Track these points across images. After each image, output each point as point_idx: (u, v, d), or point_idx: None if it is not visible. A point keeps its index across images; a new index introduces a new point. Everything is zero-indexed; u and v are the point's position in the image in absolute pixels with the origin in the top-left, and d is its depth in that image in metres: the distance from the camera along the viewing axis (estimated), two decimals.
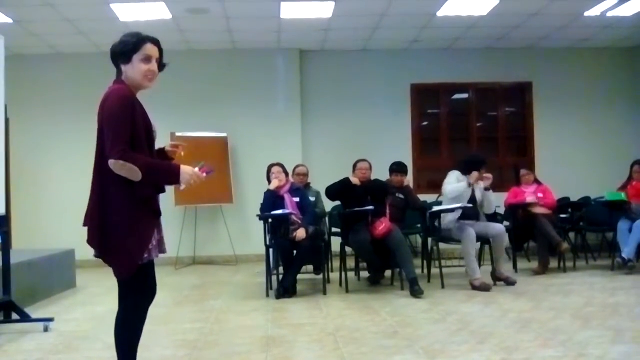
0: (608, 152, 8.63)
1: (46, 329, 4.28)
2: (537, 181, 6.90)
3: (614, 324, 4.00)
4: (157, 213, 2.59)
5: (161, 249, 2.67)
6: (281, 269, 5.72)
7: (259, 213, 5.86)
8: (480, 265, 5.99)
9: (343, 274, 5.84)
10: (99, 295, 5.87)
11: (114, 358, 2.58)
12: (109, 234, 2.46)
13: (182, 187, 2.54)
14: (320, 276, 5.89)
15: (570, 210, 7.44)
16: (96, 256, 2.52)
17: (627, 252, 6.21)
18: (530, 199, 6.60)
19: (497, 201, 6.30)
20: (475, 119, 9.03)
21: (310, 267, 6.18)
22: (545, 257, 6.48)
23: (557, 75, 8.82)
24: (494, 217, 6.24)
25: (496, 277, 5.79)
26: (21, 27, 7.13)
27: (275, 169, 5.93)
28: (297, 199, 5.86)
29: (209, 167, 2.61)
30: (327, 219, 6.52)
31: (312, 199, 6.30)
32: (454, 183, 5.88)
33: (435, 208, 6.11)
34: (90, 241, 2.50)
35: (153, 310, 2.70)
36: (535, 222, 6.38)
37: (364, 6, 6.97)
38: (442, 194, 6.13)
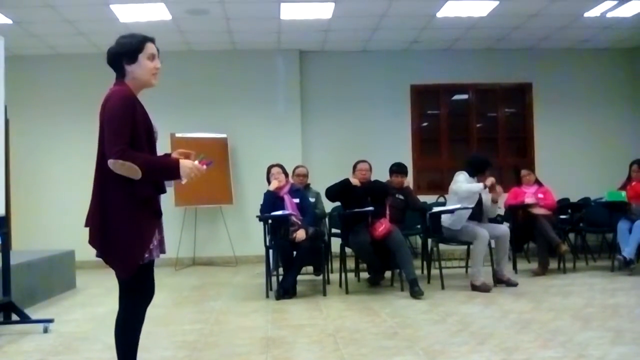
0: (608, 152, 8.61)
1: (46, 330, 4.27)
2: (538, 182, 6.88)
3: (614, 325, 4.00)
4: (158, 213, 2.60)
5: (162, 249, 2.68)
6: (281, 270, 5.72)
7: (258, 214, 5.86)
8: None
9: (343, 274, 5.84)
10: (98, 296, 5.87)
11: (114, 359, 2.58)
12: (110, 234, 2.47)
13: (184, 181, 2.55)
14: (320, 277, 5.89)
15: (570, 210, 7.42)
16: (97, 256, 2.53)
17: (627, 252, 6.21)
18: (529, 199, 6.58)
19: (498, 202, 6.27)
20: (475, 120, 9.03)
21: (310, 268, 6.17)
22: (545, 258, 6.47)
23: (556, 76, 8.81)
24: (493, 218, 6.24)
25: (498, 278, 5.78)
26: (21, 28, 7.12)
27: (275, 170, 5.92)
28: (296, 200, 5.86)
29: (208, 159, 2.62)
30: (326, 219, 6.51)
31: (312, 199, 6.30)
32: (465, 183, 5.82)
33: (435, 209, 6.10)
34: (92, 241, 2.51)
35: (153, 311, 2.70)
36: (535, 223, 6.37)
37: (364, 7, 6.97)
38: (451, 193, 5.95)
